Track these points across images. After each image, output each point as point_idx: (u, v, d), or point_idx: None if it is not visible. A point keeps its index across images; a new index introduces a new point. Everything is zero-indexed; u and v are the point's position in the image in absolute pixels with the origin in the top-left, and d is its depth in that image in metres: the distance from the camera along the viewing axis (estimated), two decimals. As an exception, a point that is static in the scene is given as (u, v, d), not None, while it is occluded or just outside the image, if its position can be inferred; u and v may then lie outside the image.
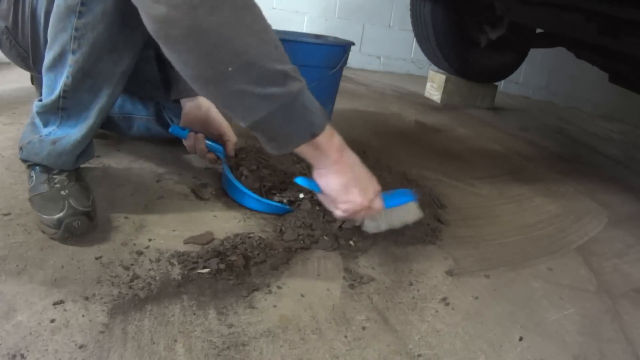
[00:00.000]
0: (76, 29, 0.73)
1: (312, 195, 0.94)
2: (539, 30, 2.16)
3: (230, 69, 0.60)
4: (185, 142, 1.03)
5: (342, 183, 0.74)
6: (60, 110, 0.79)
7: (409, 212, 0.86)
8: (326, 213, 0.91)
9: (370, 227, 0.84)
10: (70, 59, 0.75)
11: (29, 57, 0.90)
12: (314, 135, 0.68)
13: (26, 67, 0.96)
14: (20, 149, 0.83)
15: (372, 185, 0.77)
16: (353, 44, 1.40)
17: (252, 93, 0.63)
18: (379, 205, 0.78)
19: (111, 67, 0.79)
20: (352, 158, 0.75)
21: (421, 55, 2.60)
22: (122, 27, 0.76)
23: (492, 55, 2.35)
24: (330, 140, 0.71)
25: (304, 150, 0.71)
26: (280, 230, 0.85)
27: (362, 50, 3.09)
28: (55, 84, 0.78)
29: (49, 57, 0.77)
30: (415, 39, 2.44)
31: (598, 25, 1.43)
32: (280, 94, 0.64)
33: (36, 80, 1.11)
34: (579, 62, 2.13)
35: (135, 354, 0.57)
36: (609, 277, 0.96)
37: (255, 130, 0.68)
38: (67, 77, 0.76)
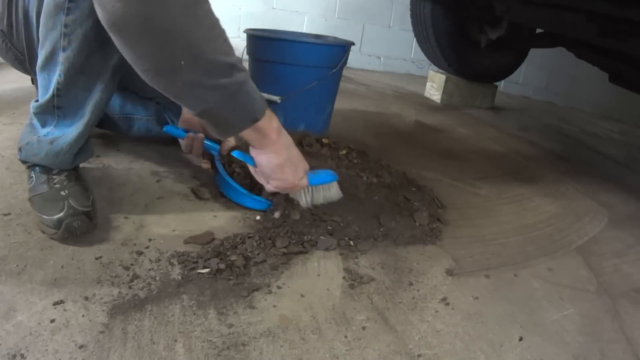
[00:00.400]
0: (65, 26, 0.74)
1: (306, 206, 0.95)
2: (539, 30, 2.16)
3: (182, 62, 0.64)
4: (182, 142, 1.03)
5: (277, 162, 0.82)
6: (56, 109, 0.79)
7: (330, 191, 0.96)
8: (318, 219, 0.92)
9: (301, 201, 0.92)
10: (62, 57, 0.75)
11: (25, 59, 0.89)
12: (256, 120, 0.76)
13: (24, 70, 0.96)
14: (19, 149, 0.83)
15: (302, 164, 0.87)
16: (353, 44, 1.40)
17: (202, 84, 0.67)
18: (305, 182, 0.88)
19: (103, 62, 0.80)
20: (287, 139, 0.84)
21: (421, 55, 2.60)
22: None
23: (492, 55, 2.35)
24: (269, 123, 0.79)
25: (246, 133, 0.78)
26: (271, 237, 0.85)
27: (362, 50, 3.09)
28: (49, 83, 0.78)
29: (41, 56, 0.77)
30: (415, 39, 2.44)
31: (598, 26, 1.43)
32: (227, 84, 0.69)
33: (36, 81, 1.12)
34: (579, 62, 2.13)
35: (135, 354, 0.57)
36: (609, 277, 0.96)
37: (203, 117, 0.73)
38: (60, 75, 0.77)
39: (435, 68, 2.53)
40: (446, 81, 2.38)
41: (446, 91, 2.39)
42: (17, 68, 0.96)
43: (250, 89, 0.73)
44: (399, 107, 2.15)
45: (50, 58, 0.76)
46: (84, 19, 0.74)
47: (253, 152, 0.84)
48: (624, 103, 3.12)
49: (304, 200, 0.92)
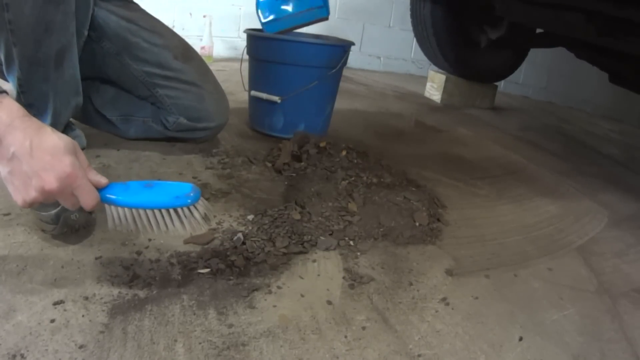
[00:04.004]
0: (9, 22, 0.77)
1: (302, 207, 0.94)
2: (539, 30, 2.16)
3: None
4: None
5: (2, 175, 0.62)
6: (28, 107, 0.80)
7: (182, 218, 0.66)
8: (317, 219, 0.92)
9: (109, 222, 0.67)
10: (15, 53, 0.78)
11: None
12: None
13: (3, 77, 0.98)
14: None
15: (39, 180, 0.60)
16: (353, 44, 1.40)
17: None
18: (83, 201, 0.63)
19: (50, 47, 0.82)
20: (12, 149, 0.60)
21: (421, 55, 2.60)
22: (46, 5, 0.79)
23: (492, 55, 2.35)
24: None
25: None
26: (271, 238, 0.85)
27: (362, 50, 3.09)
28: (14, 82, 0.80)
29: (2, 59, 0.80)
30: (415, 39, 2.44)
31: (598, 26, 1.43)
32: None
33: None
34: (579, 62, 2.13)
35: (135, 354, 0.57)
36: (609, 277, 0.96)
37: None
38: (17, 71, 0.79)
39: (435, 68, 2.53)
40: (446, 81, 2.38)
41: (446, 91, 2.39)
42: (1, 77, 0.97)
43: None
44: (399, 107, 2.15)
45: (7, 58, 0.79)
46: (22, 10, 0.76)
47: None
48: (624, 103, 3.12)
49: (113, 220, 0.66)
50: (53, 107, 0.84)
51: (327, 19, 1.00)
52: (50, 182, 0.60)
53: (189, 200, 0.66)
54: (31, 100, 0.82)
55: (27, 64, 0.79)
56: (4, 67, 0.82)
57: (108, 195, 0.65)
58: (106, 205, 0.66)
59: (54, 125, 0.84)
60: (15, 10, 0.77)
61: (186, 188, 0.67)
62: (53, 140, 0.61)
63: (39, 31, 0.79)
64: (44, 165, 0.60)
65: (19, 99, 0.81)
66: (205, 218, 0.68)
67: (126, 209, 0.65)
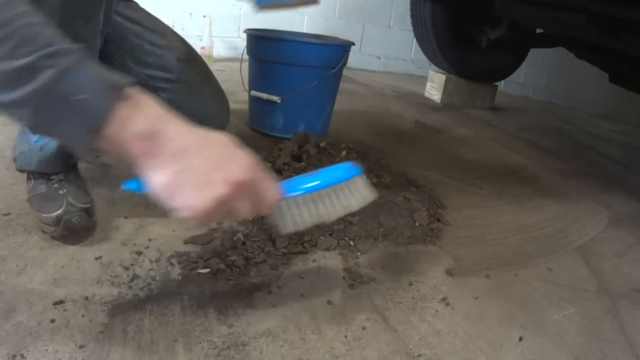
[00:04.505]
0: None
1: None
2: (539, 30, 2.16)
3: None
4: None
5: (160, 184, 0.51)
6: None
7: (349, 194, 0.63)
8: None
9: (286, 226, 0.60)
10: None
11: None
12: (94, 129, 0.49)
13: None
14: (14, 160, 0.84)
15: (225, 173, 0.51)
16: (353, 44, 1.40)
17: (4, 103, 0.49)
18: (266, 196, 0.55)
19: None
20: (178, 142, 0.51)
21: (421, 55, 2.60)
22: (75, 19, 0.74)
23: (492, 55, 2.35)
24: (124, 128, 0.50)
25: (103, 149, 0.52)
26: (271, 238, 0.85)
27: (362, 50, 3.09)
28: None
29: None
30: (415, 39, 2.44)
31: (598, 26, 1.43)
32: (28, 95, 0.48)
33: None
34: (579, 62, 2.13)
35: (135, 354, 0.57)
36: (609, 277, 0.96)
37: (41, 134, 0.56)
38: None
39: (435, 68, 2.53)
40: (446, 81, 2.37)
41: (446, 91, 2.39)
42: None
43: (73, 86, 0.48)
44: (399, 107, 2.15)
45: None
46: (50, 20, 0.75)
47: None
48: (624, 103, 3.12)
49: (292, 221, 0.60)
50: None
51: (318, 3, 0.98)
52: (236, 172, 0.52)
53: (359, 169, 0.63)
54: None
55: None
56: None
57: (285, 187, 0.56)
58: (277, 209, 0.58)
59: None
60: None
61: (346, 163, 0.63)
62: (213, 132, 0.54)
63: None
64: (222, 157, 0.52)
65: None
66: (370, 187, 0.65)
67: (297, 203, 0.59)
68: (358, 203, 0.63)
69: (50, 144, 0.80)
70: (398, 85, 2.75)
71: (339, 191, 0.62)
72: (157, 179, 0.51)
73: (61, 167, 0.83)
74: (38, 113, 0.49)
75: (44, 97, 0.48)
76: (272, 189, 0.55)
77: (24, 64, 0.47)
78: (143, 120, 0.51)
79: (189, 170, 0.51)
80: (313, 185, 0.59)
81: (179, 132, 0.52)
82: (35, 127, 0.51)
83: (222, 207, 0.52)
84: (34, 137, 0.81)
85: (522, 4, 1.63)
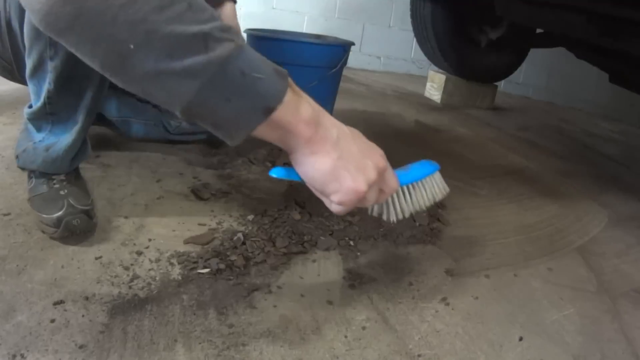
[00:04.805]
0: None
1: (302, 207, 0.94)
2: (539, 30, 2.16)
3: (131, 45, 0.46)
4: None
5: (323, 168, 0.55)
6: (49, 115, 0.79)
7: (433, 187, 0.70)
8: (318, 217, 0.91)
9: (391, 215, 0.65)
10: (50, 66, 0.75)
11: (13, 69, 0.89)
12: (268, 110, 0.50)
13: (12, 78, 0.96)
14: (17, 157, 0.84)
15: (372, 159, 0.57)
16: (353, 44, 1.40)
17: (167, 71, 0.47)
18: (391, 184, 0.60)
19: (90, 67, 0.79)
20: (334, 130, 0.56)
21: (421, 55, 2.60)
22: None
23: (492, 55, 2.35)
24: (295, 112, 0.52)
25: (265, 134, 0.53)
26: (271, 238, 0.85)
27: (362, 50, 3.09)
28: (40, 90, 0.78)
29: (29, 65, 0.77)
30: (415, 39, 2.44)
31: (598, 26, 1.43)
32: (203, 64, 0.47)
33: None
34: (579, 62, 2.13)
35: (135, 354, 0.57)
36: (609, 277, 0.96)
37: (193, 118, 0.51)
38: (49, 84, 0.76)
39: (435, 68, 2.53)
40: (446, 81, 2.38)
41: (446, 91, 2.39)
42: (5, 77, 0.96)
43: (250, 64, 0.49)
44: (399, 107, 2.15)
45: (39, 67, 0.76)
46: None
47: (293, 162, 0.58)
48: (624, 103, 3.12)
49: (394, 210, 0.65)
50: (77, 119, 0.82)
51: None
52: (380, 160, 0.58)
53: (439, 165, 0.72)
54: (54, 110, 0.79)
55: (63, 78, 0.76)
56: (28, 73, 0.78)
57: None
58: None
59: (77, 141, 0.82)
60: None
61: (427, 161, 0.72)
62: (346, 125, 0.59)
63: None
64: (365, 146, 0.58)
65: (43, 107, 0.79)
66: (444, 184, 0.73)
67: (398, 194, 0.66)
68: (441, 194, 0.72)
69: (57, 145, 0.80)
70: (398, 85, 2.75)
71: (426, 184, 0.70)
72: (321, 164, 0.54)
73: (65, 168, 0.83)
74: (209, 86, 0.47)
75: (221, 69, 0.47)
76: (394, 178, 0.61)
77: (199, 31, 0.47)
78: (309, 107, 0.54)
79: (347, 156, 0.55)
80: (414, 177, 0.67)
81: (332, 121, 0.57)
82: (196, 104, 0.49)
83: (371, 190, 0.57)
84: (39, 136, 0.81)
85: (522, 4, 1.63)
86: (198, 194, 0.98)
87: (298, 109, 0.53)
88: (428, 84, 2.53)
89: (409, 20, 2.35)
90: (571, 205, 1.30)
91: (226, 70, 0.48)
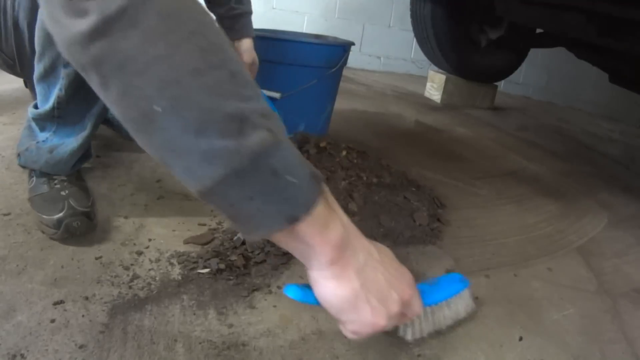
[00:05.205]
0: None
1: None
2: (539, 30, 2.16)
3: (156, 107, 0.39)
4: None
5: (342, 295, 0.49)
6: (56, 118, 0.79)
7: (458, 305, 0.68)
8: None
9: (407, 334, 0.63)
10: (63, 73, 0.74)
11: (15, 64, 0.89)
12: (293, 219, 0.44)
13: (14, 73, 0.96)
14: (18, 155, 0.84)
15: (398, 289, 0.52)
16: (353, 44, 1.40)
17: (190, 147, 0.40)
18: (415, 309, 0.55)
19: None
20: (361, 255, 0.50)
21: (421, 55, 2.60)
22: None
23: (492, 55, 2.35)
24: (323, 228, 0.46)
25: (283, 242, 0.47)
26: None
27: (362, 50, 3.09)
28: (49, 93, 0.77)
29: (39, 68, 0.76)
30: (415, 39, 2.44)
31: (598, 26, 1.43)
32: (231, 152, 0.40)
33: (30, 84, 1.12)
34: (579, 62, 2.13)
35: (135, 354, 0.57)
36: (609, 277, 0.95)
37: (208, 203, 0.44)
38: (61, 90, 0.76)
39: (435, 68, 2.53)
40: (446, 81, 2.38)
41: (446, 91, 2.39)
42: (6, 71, 0.96)
43: (283, 163, 0.42)
44: (399, 107, 2.15)
45: (50, 72, 0.75)
46: None
47: (310, 279, 0.51)
48: (624, 103, 3.12)
49: (411, 329, 0.63)
50: (85, 125, 0.82)
51: None
52: (407, 291, 0.53)
53: (469, 282, 0.69)
54: (62, 114, 0.79)
55: (75, 85, 0.76)
56: (35, 73, 0.77)
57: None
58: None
59: (82, 146, 0.81)
60: None
61: (457, 275, 0.69)
62: (377, 243, 0.53)
63: None
64: (394, 272, 0.52)
65: (51, 110, 0.78)
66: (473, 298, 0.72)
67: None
68: (465, 312, 0.70)
69: (61, 148, 0.80)
70: (398, 85, 2.75)
71: (452, 301, 0.67)
72: (341, 291, 0.49)
73: (68, 171, 0.83)
74: (233, 178, 0.41)
75: (251, 163, 0.40)
76: (419, 303, 0.56)
77: (236, 111, 0.40)
78: (340, 226, 0.47)
79: (371, 286, 0.50)
80: (441, 297, 0.65)
81: (362, 244, 0.51)
82: (214, 193, 0.42)
83: (391, 321, 0.52)
84: (42, 136, 0.81)
85: (522, 4, 1.63)
86: (198, 194, 0.97)
87: (327, 225, 0.46)
88: (428, 84, 2.53)
89: (409, 20, 2.35)
90: (571, 205, 1.30)
91: (257, 165, 0.41)
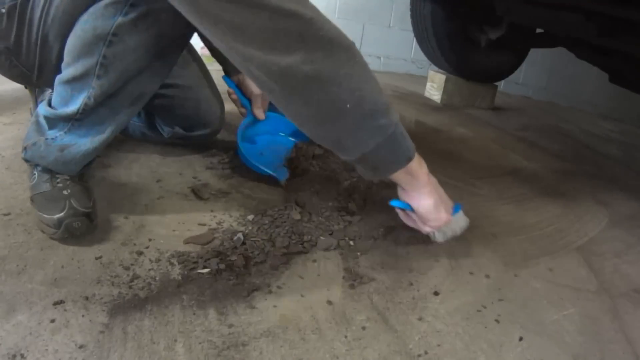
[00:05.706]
0: (104, 57, 0.74)
1: (302, 208, 0.94)
2: (539, 30, 2.16)
3: (348, 105, 0.66)
4: (229, 90, 1.17)
5: (432, 204, 0.82)
6: (75, 120, 0.79)
7: (461, 219, 0.92)
8: (317, 217, 0.91)
9: (439, 237, 0.89)
10: (95, 82, 0.75)
11: (32, 75, 0.89)
12: (409, 159, 0.76)
13: (25, 83, 0.96)
14: (24, 148, 0.83)
15: (450, 201, 0.87)
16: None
17: (364, 126, 0.69)
18: (450, 217, 0.86)
19: (135, 89, 0.80)
20: (433, 179, 0.83)
21: (421, 55, 2.60)
22: (154, 59, 0.77)
23: (492, 55, 2.35)
24: (420, 163, 0.80)
25: (398, 175, 0.78)
26: (271, 238, 0.85)
27: (362, 50, 3.08)
28: (72, 98, 0.77)
29: (67, 72, 0.76)
30: (415, 39, 2.44)
31: (598, 26, 1.43)
32: (387, 125, 0.70)
33: (32, 89, 1.12)
34: (579, 62, 2.13)
35: (135, 354, 0.57)
36: (609, 277, 0.96)
37: (360, 162, 0.74)
38: (89, 98, 0.76)
39: (435, 68, 2.53)
40: (446, 81, 2.37)
41: (446, 91, 2.39)
42: (16, 81, 0.96)
43: (402, 127, 0.74)
44: (399, 107, 2.15)
45: (80, 78, 0.76)
46: (127, 54, 0.74)
47: (407, 197, 0.84)
48: (624, 103, 3.12)
49: (447, 233, 0.90)
50: (104, 130, 0.82)
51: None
52: (449, 202, 0.87)
53: (460, 204, 0.93)
54: (82, 118, 0.79)
55: (105, 96, 0.77)
56: (61, 76, 0.78)
57: None
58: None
59: (97, 150, 0.82)
60: (116, 48, 0.73)
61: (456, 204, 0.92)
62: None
63: (131, 74, 0.77)
64: (442, 189, 0.86)
65: (73, 114, 0.78)
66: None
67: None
68: (466, 223, 0.93)
69: (74, 149, 0.80)
70: (398, 85, 2.75)
71: (458, 216, 0.91)
72: (430, 201, 0.82)
73: (75, 172, 0.82)
74: (387, 141, 0.71)
75: (395, 129, 0.72)
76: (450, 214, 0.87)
77: (385, 100, 0.71)
78: (425, 164, 0.81)
79: (441, 198, 0.84)
80: (455, 211, 0.90)
81: (430, 175, 0.82)
82: (372, 153, 0.72)
83: (447, 220, 0.85)
84: (51, 133, 0.81)
85: (522, 4, 1.63)
86: (198, 194, 0.98)
87: (421, 162, 0.80)
88: (428, 84, 2.53)
89: (409, 20, 2.35)
90: (571, 205, 1.30)
91: (396, 131, 0.72)
